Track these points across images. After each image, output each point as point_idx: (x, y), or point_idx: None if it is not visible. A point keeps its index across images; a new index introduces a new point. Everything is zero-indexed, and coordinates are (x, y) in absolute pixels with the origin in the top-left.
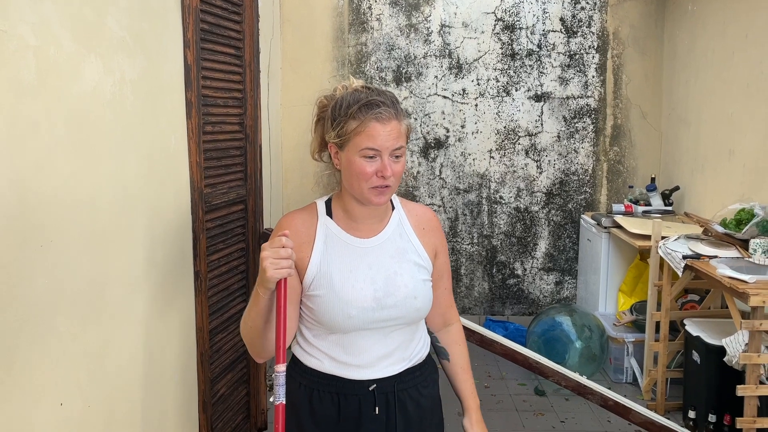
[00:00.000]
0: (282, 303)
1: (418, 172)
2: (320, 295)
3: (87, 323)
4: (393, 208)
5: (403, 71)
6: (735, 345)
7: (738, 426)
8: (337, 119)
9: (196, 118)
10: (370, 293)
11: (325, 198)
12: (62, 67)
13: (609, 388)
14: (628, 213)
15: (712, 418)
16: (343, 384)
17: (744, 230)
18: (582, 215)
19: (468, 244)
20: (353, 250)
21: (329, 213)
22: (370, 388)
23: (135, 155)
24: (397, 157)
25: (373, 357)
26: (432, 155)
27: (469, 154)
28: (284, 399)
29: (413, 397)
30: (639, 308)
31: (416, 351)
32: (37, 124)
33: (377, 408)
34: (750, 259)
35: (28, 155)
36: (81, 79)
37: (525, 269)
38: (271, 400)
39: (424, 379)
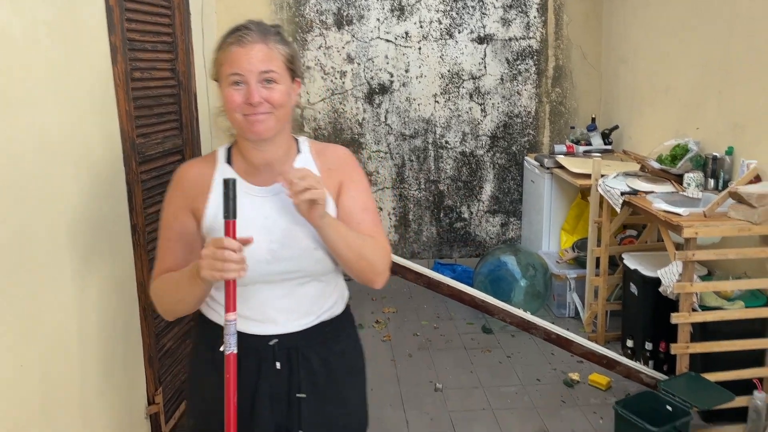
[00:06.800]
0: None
1: (363, 119)
2: None
3: (12, 278)
4: (299, 152)
5: (344, 14)
6: (669, 276)
7: (672, 352)
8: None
9: (122, 63)
10: (264, 245)
11: (229, 144)
12: None
13: (552, 323)
14: (569, 153)
15: (648, 346)
16: (243, 338)
17: (679, 165)
18: (525, 157)
19: (415, 190)
20: (250, 199)
21: (229, 160)
22: (271, 343)
23: (55, 103)
24: (268, 81)
25: (276, 311)
26: (377, 101)
27: (414, 99)
28: (235, 348)
29: (320, 353)
30: (580, 245)
31: (327, 307)
32: None
33: (278, 363)
34: (684, 193)
35: None
36: None
37: (471, 212)
38: (221, 349)
39: (336, 334)
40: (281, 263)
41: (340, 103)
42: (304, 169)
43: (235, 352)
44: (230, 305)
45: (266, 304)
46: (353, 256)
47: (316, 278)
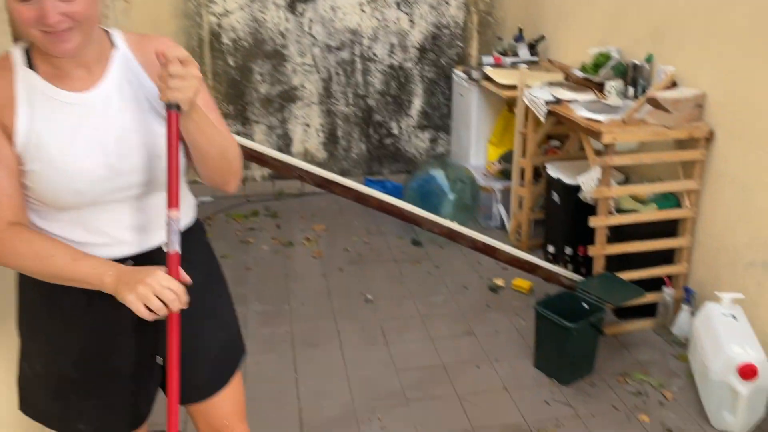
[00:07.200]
0: (174, 138)
1: (286, 29)
2: (36, 171)
3: None
4: (115, 47)
5: None
6: (589, 182)
7: (590, 254)
8: None
9: None
10: (100, 160)
11: (26, 45)
12: None
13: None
14: (497, 65)
15: (568, 251)
16: None
17: (601, 73)
18: (454, 70)
19: (344, 105)
20: (70, 109)
21: (31, 64)
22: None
23: None
24: None
25: (124, 231)
26: (299, 9)
27: (339, 8)
28: (178, 247)
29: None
30: (506, 157)
31: (180, 218)
32: None
33: None
34: (605, 101)
35: None
36: None
37: (401, 128)
38: (164, 248)
39: (192, 245)
40: (123, 178)
41: (261, 12)
42: (181, 51)
43: (179, 251)
44: (173, 201)
45: (112, 225)
46: (215, 154)
47: (164, 188)
